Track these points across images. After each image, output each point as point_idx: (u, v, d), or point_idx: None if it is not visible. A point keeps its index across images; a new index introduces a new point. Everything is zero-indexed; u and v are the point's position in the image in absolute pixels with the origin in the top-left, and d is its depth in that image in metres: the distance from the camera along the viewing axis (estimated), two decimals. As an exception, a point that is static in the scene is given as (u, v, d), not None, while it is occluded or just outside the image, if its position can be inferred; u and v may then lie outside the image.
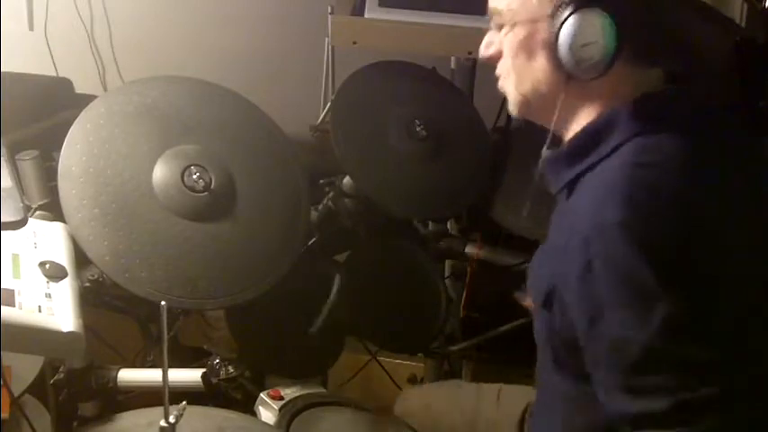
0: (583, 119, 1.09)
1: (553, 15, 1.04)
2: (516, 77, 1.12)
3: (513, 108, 1.16)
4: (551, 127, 1.11)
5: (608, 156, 1.04)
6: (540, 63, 1.08)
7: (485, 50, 1.16)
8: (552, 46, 1.04)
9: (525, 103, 1.13)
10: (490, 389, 1.59)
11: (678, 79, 1.09)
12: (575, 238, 0.99)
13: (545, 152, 1.12)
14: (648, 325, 0.94)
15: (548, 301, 1.07)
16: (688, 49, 1.09)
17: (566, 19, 1.02)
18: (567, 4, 1.02)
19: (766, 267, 1.03)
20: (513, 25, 1.09)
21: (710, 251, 0.97)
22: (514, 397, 1.53)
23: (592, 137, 1.07)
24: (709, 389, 0.93)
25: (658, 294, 0.94)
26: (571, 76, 1.04)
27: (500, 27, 1.12)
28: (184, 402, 1.13)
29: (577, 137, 1.09)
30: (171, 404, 1.11)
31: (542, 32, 1.06)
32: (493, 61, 1.16)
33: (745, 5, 1.68)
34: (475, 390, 1.62)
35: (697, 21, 1.10)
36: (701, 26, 1.09)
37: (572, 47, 1.02)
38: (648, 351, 0.95)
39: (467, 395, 1.61)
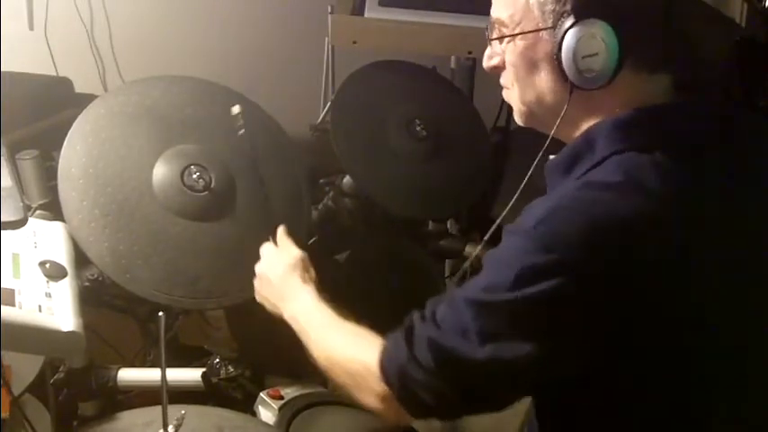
0: (585, 129, 1.08)
1: (555, 27, 1.02)
2: (520, 89, 1.11)
3: (518, 118, 1.15)
4: (554, 135, 1.09)
5: (592, 169, 1.03)
6: (544, 74, 1.07)
7: (487, 62, 1.15)
8: (555, 58, 1.02)
9: (530, 113, 1.12)
10: None
11: (686, 88, 1.06)
12: None
13: (549, 160, 1.10)
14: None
15: None
16: (695, 57, 1.07)
17: (567, 30, 1.01)
18: (569, 15, 1.01)
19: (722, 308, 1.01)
20: (515, 36, 1.07)
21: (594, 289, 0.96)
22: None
23: (580, 149, 1.06)
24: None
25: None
26: (575, 86, 1.03)
27: (501, 38, 1.10)
28: (183, 411, 1.14)
29: (570, 147, 1.08)
30: (170, 404, 1.11)
31: (544, 44, 1.05)
32: (497, 72, 1.14)
33: (745, 5, 1.68)
34: None
35: (701, 24, 1.07)
36: (704, 29, 1.07)
37: (575, 59, 1.00)
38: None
39: None
